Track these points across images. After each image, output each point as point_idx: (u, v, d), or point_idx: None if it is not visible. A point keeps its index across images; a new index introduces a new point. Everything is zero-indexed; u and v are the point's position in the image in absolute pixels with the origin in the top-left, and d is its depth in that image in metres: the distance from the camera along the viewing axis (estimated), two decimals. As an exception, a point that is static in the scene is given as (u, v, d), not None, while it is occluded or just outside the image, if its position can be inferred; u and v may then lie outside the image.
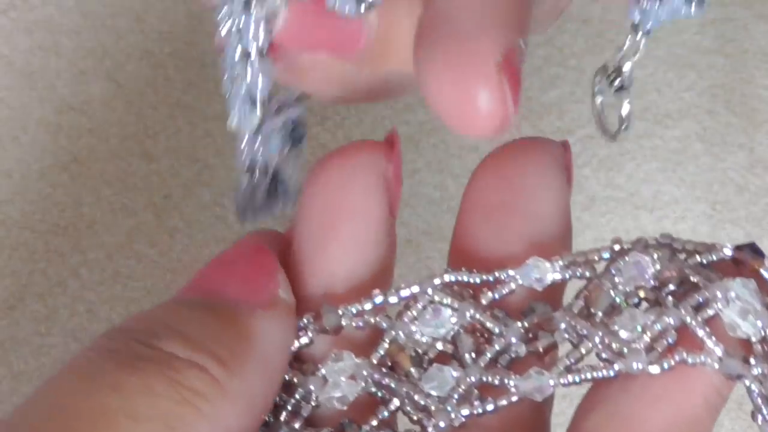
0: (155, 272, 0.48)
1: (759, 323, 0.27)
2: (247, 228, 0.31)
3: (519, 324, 0.28)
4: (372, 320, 0.28)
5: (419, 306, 0.28)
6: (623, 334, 0.27)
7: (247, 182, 0.31)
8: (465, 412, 0.27)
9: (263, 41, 0.28)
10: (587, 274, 0.28)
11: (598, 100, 0.31)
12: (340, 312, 0.28)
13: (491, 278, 0.28)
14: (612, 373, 0.27)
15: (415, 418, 0.28)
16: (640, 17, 0.30)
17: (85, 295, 0.48)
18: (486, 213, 0.29)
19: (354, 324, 0.28)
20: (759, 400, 0.27)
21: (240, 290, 0.27)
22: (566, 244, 0.30)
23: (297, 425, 0.28)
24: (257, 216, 0.31)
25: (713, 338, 0.27)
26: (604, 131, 0.32)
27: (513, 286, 0.28)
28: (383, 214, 0.30)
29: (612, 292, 0.28)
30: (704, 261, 0.28)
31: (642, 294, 0.28)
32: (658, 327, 0.27)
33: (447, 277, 0.28)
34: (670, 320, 0.27)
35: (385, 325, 0.28)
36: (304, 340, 0.28)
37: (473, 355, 0.28)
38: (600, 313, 0.27)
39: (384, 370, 0.28)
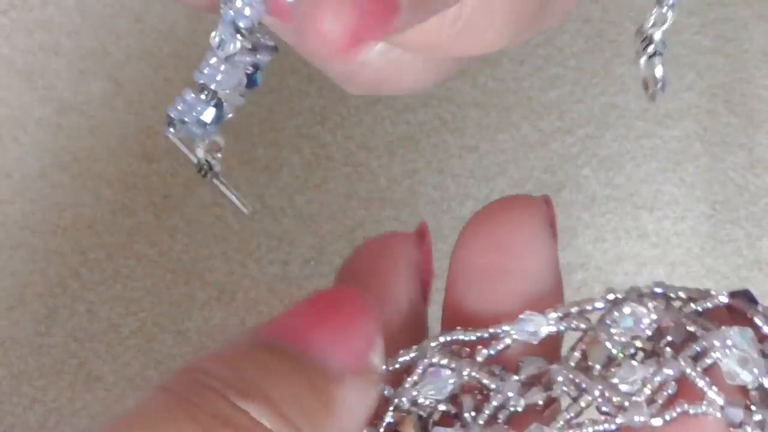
0: (155, 272, 0.48)
1: (755, 371, 0.27)
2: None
3: (515, 378, 0.28)
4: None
5: (419, 370, 0.28)
6: (623, 386, 0.27)
7: (191, 97, 0.31)
8: None
9: None
10: (582, 325, 0.28)
11: (641, 60, 0.31)
12: None
13: (486, 335, 0.28)
14: (614, 427, 0.27)
15: None
16: None
17: (85, 295, 0.48)
18: (476, 276, 0.29)
19: None
20: None
21: (336, 350, 0.26)
22: (558, 298, 0.30)
23: None
24: (179, 130, 0.31)
25: (714, 388, 0.27)
26: (645, 91, 0.32)
27: (508, 341, 0.28)
28: (416, 299, 0.30)
29: (609, 344, 0.28)
30: (699, 308, 0.28)
31: (639, 344, 0.28)
32: (658, 379, 0.27)
33: (442, 338, 0.28)
34: (670, 371, 0.27)
35: (387, 393, 0.28)
36: None
37: (473, 413, 0.28)
38: (598, 366, 0.28)
39: None
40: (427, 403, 0.28)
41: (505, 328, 0.28)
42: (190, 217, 0.49)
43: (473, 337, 0.28)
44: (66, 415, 0.47)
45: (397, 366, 0.28)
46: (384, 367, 0.27)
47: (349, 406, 0.26)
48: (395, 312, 0.29)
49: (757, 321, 0.28)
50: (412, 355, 0.28)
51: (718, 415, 0.27)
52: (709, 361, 0.27)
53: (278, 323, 0.27)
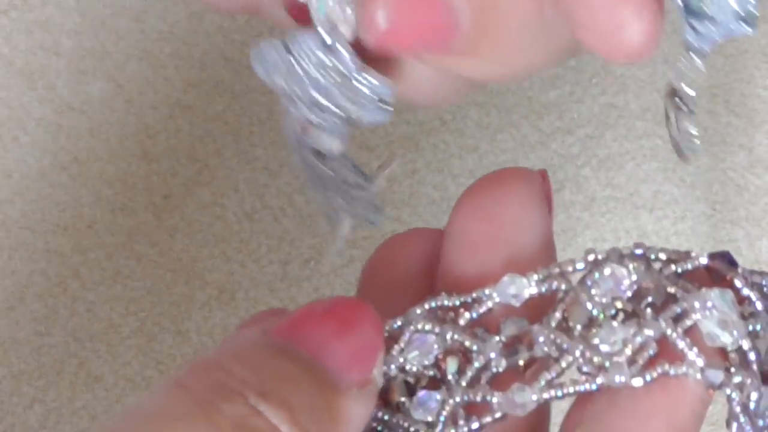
0: (155, 272, 0.48)
1: (735, 333, 0.27)
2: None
3: (497, 338, 0.28)
4: None
5: (405, 336, 0.28)
6: (604, 347, 0.27)
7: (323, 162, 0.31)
8: None
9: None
10: (563, 287, 0.28)
11: (672, 119, 0.31)
12: None
13: (470, 299, 0.28)
14: (595, 387, 0.27)
15: None
16: (695, 40, 0.30)
17: (85, 295, 0.48)
18: (467, 244, 0.29)
19: None
20: (737, 408, 0.27)
21: (347, 363, 0.27)
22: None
23: None
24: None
25: (695, 349, 0.27)
26: (677, 151, 0.32)
27: (490, 304, 0.28)
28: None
29: (589, 305, 0.28)
30: (679, 270, 0.28)
31: (619, 305, 0.28)
32: (639, 340, 0.27)
33: (427, 305, 0.29)
34: (651, 332, 0.27)
35: None
36: None
37: (456, 376, 0.28)
38: (579, 327, 0.28)
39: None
40: (414, 369, 0.28)
41: (488, 291, 0.28)
42: (190, 217, 0.49)
43: (457, 302, 0.29)
44: (66, 415, 0.47)
45: (384, 335, 0.28)
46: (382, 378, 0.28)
47: (352, 419, 0.26)
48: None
49: (737, 283, 0.28)
50: (399, 323, 0.28)
51: (698, 376, 0.27)
52: (689, 322, 0.27)
53: (291, 326, 0.27)
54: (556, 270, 0.28)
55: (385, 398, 0.28)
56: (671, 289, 0.28)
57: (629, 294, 0.28)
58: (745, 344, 0.27)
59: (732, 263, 0.28)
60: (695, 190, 0.50)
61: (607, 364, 0.27)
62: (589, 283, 0.28)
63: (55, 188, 0.49)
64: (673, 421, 0.27)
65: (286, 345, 0.26)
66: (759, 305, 0.28)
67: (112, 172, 0.49)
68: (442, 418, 0.28)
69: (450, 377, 0.28)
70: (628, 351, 0.27)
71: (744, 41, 0.51)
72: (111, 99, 0.49)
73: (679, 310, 0.27)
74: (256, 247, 0.48)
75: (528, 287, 0.28)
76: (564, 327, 0.28)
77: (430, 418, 0.28)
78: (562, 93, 0.50)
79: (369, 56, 0.28)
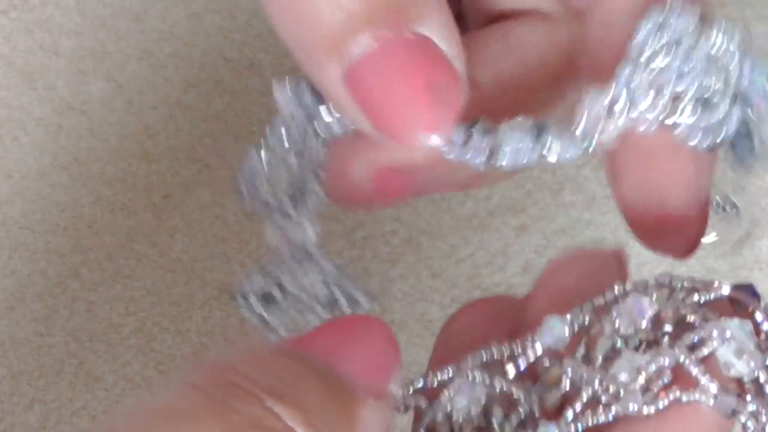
0: (155, 272, 0.48)
1: (752, 364, 0.27)
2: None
3: (537, 386, 0.28)
4: (413, 402, 0.29)
5: (456, 385, 0.29)
6: (622, 376, 0.27)
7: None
8: None
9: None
10: (589, 319, 0.29)
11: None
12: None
13: (517, 350, 0.29)
14: (611, 417, 0.27)
15: None
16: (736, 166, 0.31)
17: (85, 295, 0.48)
18: None
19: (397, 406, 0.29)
20: None
21: (364, 374, 0.27)
22: None
23: None
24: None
25: (707, 375, 0.27)
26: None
27: (539, 351, 0.29)
28: None
29: (613, 336, 0.28)
30: (702, 299, 0.28)
31: (640, 335, 0.28)
32: (653, 368, 0.27)
33: (479, 357, 0.29)
34: (666, 360, 0.27)
35: (423, 405, 0.29)
36: None
37: (503, 423, 0.28)
38: (600, 357, 0.28)
39: None
40: (461, 419, 0.28)
41: (531, 338, 0.29)
42: (190, 217, 0.49)
43: (505, 354, 0.29)
44: (66, 415, 0.47)
45: (435, 385, 0.29)
46: (406, 391, 0.29)
47: (369, 426, 0.26)
48: None
49: (758, 316, 0.28)
50: (450, 374, 0.29)
51: (711, 402, 0.27)
52: (706, 351, 0.27)
53: (305, 340, 0.27)
54: (588, 305, 0.29)
55: None
56: (691, 318, 0.28)
57: (650, 324, 0.28)
58: (762, 376, 0.27)
59: (755, 295, 0.28)
60: (695, 190, 0.50)
61: (622, 392, 0.27)
62: (614, 313, 0.28)
63: (55, 188, 0.49)
64: None
65: (298, 352, 0.27)
66: None
67: (112, 172, 0.49)
68: None
69: (496, 426, 0.28)
70: (642, 379, 0.27)
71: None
72: (111, 99, 0.49)
73: (696, 338, 0.27)
74: (256, 247, 0.48)
75: (568, 326, 0.29)
76: (586, 357, 0.28)
77: None
78: (562, 93, 0.50)
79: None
